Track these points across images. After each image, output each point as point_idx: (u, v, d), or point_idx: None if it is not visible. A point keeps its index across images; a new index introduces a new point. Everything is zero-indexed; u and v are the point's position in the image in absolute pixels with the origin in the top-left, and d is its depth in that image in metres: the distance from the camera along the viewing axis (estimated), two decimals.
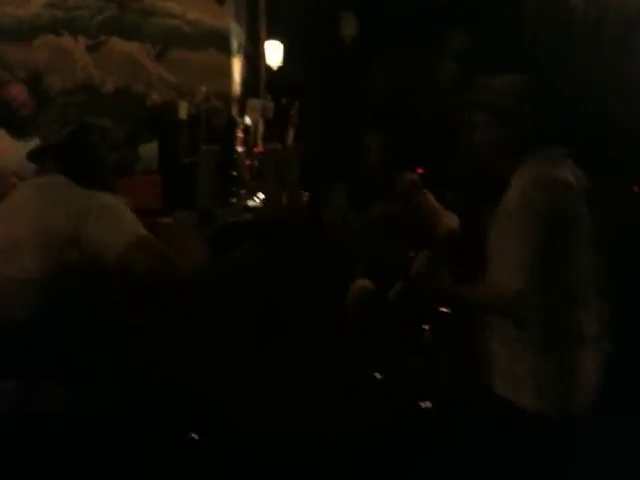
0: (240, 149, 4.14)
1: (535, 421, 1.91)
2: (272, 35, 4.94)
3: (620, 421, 2.12)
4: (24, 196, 1.93)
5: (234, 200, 3.83)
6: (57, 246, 1.78)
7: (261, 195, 3.83)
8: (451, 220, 3.22)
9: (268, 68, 4.94)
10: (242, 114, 4.52)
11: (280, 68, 4.87)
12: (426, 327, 3.02)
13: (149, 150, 4.13)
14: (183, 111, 4.33)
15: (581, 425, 1.93)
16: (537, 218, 1.83)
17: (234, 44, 5.02)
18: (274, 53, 4.87)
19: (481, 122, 2.00)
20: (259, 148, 4.12)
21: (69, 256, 1.77)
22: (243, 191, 3.90)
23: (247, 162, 4.02)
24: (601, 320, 1.96)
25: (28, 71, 4.40)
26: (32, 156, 1.99)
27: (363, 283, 3.18)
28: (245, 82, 5.05)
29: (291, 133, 4.11)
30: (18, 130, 3.61)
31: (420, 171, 3.56)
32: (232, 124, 4.37)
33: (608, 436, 2.01)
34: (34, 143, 3.45)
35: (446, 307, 2.83)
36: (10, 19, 4.35)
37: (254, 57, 5.07)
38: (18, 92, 3.69)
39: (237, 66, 5.04)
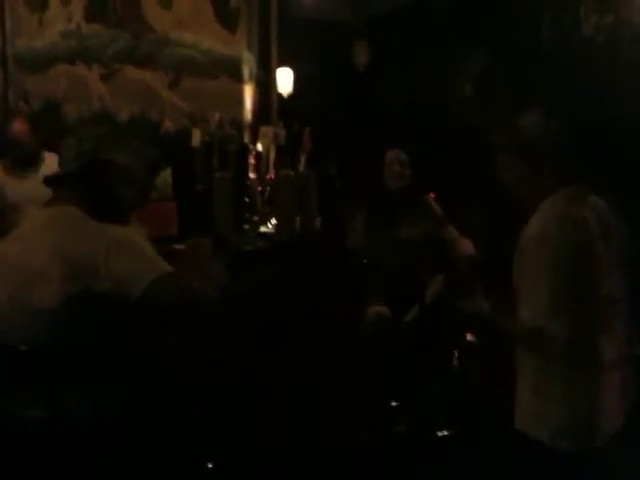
0: (252, 176, 4.16)
1: (554, 456, 1.88)
2: (283, 63, 4.98)
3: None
4: (39, 225, 1.93)
5: (247, 227, 3.84)
6: (77, 277, 1.78)
7: (274, 221, 3.84)
8: (467, 245, 3.23)
9: (280, 95, 4.98)
10: (254, 141, 4.55)
11: (292, 95, 4.91)
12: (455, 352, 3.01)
13: (163, 178, 4.15)
14: (196, 138, 4.36)
15: (601, 458, 1.90)
16: (553, 255, 1.85)
17: (246, 72, 5.06)
18: (285, 80, 4.92)
19: (505, 163, 2.03)
20: (271, 175, 4.14)
21: (89, 287, 1.78)
22: (256, 218, 3.91)
23: (259, 189, 4.04)
24: (624, 345, 1.94)
25: (45, 101, 4.46)
26: (48, 182, 2.02)
27: (379, 309, 3.18)
28: (257, 109, 5.09)
29: (303, 159, 4.13)
30: (23, 164, 3.68)
31: (432, 195, 3.57)
32: (245, 151, 4.39)
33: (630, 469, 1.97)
34: (39, 176, 3.53)
35: (476, 331, 2.82)
36: (26, 50, 4.41)
37: (266, 84, 5.11)
38: (21, 128, 3.75)
39: (249, 93, 5.08)
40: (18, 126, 3.75)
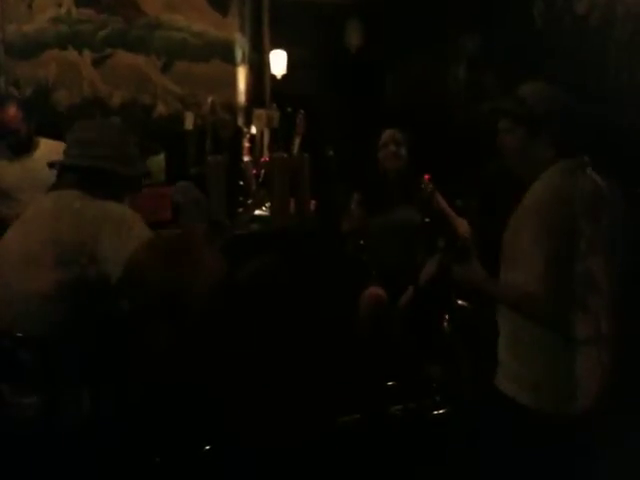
0: (246, 159, 4.16)
1: (536, 420, 1.92)
2: (276, 45, 4.96)
3: (623, 421, 2.12)
4: (42, 210, 1.97)
5: (241, 210, 3.85)
6: (76, 262, 1.80)
7: (268, 204, 3.84)
8: (462, 226, 3.25)
9: (273, 77, 4.96)
10: (248, 124, 4.55)
11: (285, 77, 4.89)
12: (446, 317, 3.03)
13: (157, 162, 4.15)
14: (189, 122, 4.35)
15: (583, 425, 1.93)
16: (545, 225, 1.88)
17: (238, 54, 5.04)
18: (279, 62, 4.89)
19: (507, 129, 2.05)
20: (265, 158, 4.13)
21: (88, 271, 1.80)
22: (250, 201, 3.91)
23: (254, 172, 4.04)
24: (601, 324, 1.97)
25: (35, 87, 4.43)
26: (53, 166, 2.06)
27: (375, 291, 3.19)
28: (250, 92, 5.07)
29: (297, 142, 4.13)
30: (16, 150, 3.65)
31: (427, 177, 3.57)
32: (238, 134, 4.39)
33: (611, 435, 2.01)
34: (30, 163, 3.49)
35: (471, 298, 2.85)
36: (16, 35, 4.37)
37: (259, 67, 5.09)
38: (14, 114, 3.70)
39: (242, 76, 5.06)
40: (11, 112, 3.71)
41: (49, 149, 3.47)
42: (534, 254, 1.87)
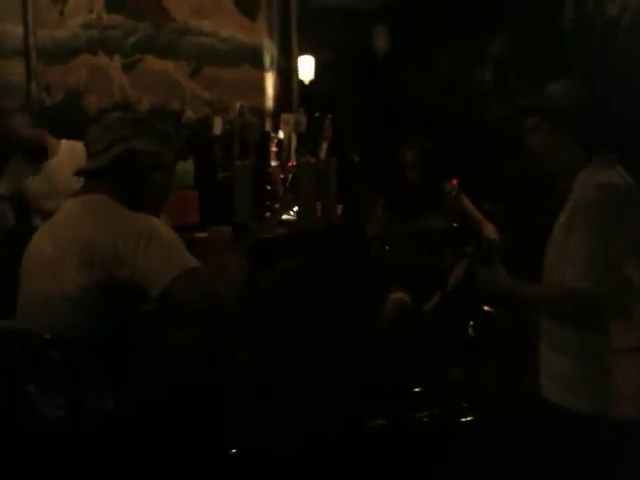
0: (274, 163, 4.17)
1: (585, 425, 1.88)
2: (304, 50, 4.97)
3: None
4: (68, 214, 1.97)
5: (268, 214, 3.85)
6: (100, 265, 1.80)
7: (295, 209, 3.84)
8: (490, 230, 3.23)
9: (301, 82, 4.97)
10: (276, 129, 4.55)
11: (313, 82, 4.90)
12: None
13: (185, 166, 4.17)
14: (217, 127, 4.37)
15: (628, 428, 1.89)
16: (605, 224, 1.84)
17: (267, 60, 5.07)
18: (306, 68, 4.90)
19: (533, 127, 2.00)
20: (293, 162, 4.14)
21: (112, 275, 1.80)
22: (277, 205, 3.92)
23: (281, 176, 4.05)
24: None
25: (66, 91, 4.48)
26: (80, 173, 2.04)
27: (400, 296, 3.18)
28: (278, 97, 5.08)
29: (324, 146, 4.13)
30: (30, 157, 3.66)
31: (454, 182, 3.56)
32: (266, 139, 4.40)
33: None
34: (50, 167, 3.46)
35: (500, 304, 2.82)
36: (47, 41, 4.43)
37: (287, 72, 5.11)
38: (22, 121, 3.62)
39: (270, 81, 5.09)
40: (17, 122, 3.65)
41: (69, 152, 3.49)
42: (585, 250, 1.83)
